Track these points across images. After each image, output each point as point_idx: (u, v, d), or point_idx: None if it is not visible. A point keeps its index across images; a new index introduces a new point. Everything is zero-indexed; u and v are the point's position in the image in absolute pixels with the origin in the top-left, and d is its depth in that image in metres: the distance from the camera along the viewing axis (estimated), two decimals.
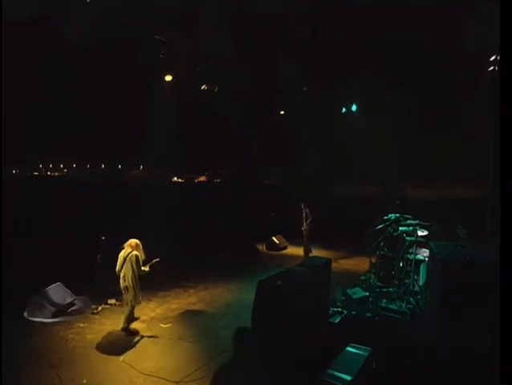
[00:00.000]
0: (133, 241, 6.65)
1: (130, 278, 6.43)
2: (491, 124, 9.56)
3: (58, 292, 7.47)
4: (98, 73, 10.01)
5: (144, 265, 6.59)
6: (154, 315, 7.34)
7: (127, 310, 6.60)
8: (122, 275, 6.47)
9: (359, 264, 11.40)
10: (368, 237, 8.82)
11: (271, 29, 9.53)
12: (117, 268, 6.56)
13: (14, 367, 5.17)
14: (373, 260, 9.20)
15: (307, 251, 12.07)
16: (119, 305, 7.46)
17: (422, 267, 7.83)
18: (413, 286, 7.83)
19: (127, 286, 6.44)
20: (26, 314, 6.93)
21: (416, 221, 8.39)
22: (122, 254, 6.59)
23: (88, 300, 7.79)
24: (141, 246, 6.69)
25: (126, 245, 6.65)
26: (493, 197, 9.68)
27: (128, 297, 6.49)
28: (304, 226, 11.92)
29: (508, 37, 3.38)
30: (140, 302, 6.71)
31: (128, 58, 9.91)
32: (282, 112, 15.39)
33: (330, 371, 4.30)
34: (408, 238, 8.11)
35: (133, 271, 6.45)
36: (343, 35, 9.27)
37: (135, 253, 6.53)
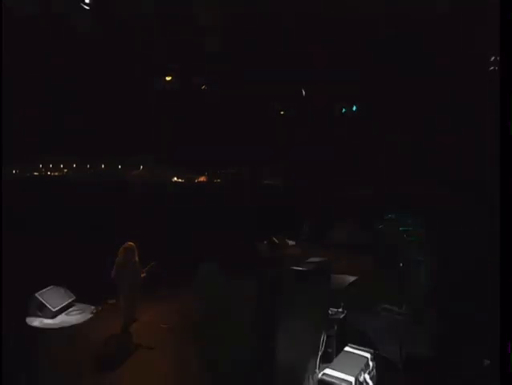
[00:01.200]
0: (129, 246, 6.49)
1: (129, 288, 6.38)
2: (490, 125, 9.57)
3: (58, 292, 7.48)
4: (98, 73, 10.03)
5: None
6: (154, 315, 7.34)
7: (124, 316, 6.54)
8: (122, 284, 6.38)
9: (360, 264, 11.37)
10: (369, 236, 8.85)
11: (270, 28, 9.53)
12: (112, 274, 6.44)
13: (14, 368, 5.17)
14: (374, 260, 9.21)
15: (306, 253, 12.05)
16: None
17: (422, 267, 7.84)
18: (414, 286, 7.83)
19: (126, 296, 6.42)
20: (26, 315, 6.95)
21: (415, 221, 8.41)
22: (119, 262, 6.42)
23: (88, 300, 7.80)
24: (136, 251, 6.54)
25: (121, 250, 6.48)
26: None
27: (127, 305, 6.47)
28: (304, 234, 11.96)
29: (508, 37, 3.38)
30: (134, 315, 6.65)
31: (129, 58, 9.92)
32: (282, 112, 15.40)
33: (329, 371, 4.31)
34: (407, 238, 8.12)
35: (133, 281, 6.39)
36: (343, 37, 9.29)
37: (133, 261, 6.41)
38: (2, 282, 6.22)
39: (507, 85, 3.41)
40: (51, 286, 7.37)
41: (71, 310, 7.35)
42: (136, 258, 6.51)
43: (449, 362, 5.36)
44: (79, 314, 7.25)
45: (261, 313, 5.51)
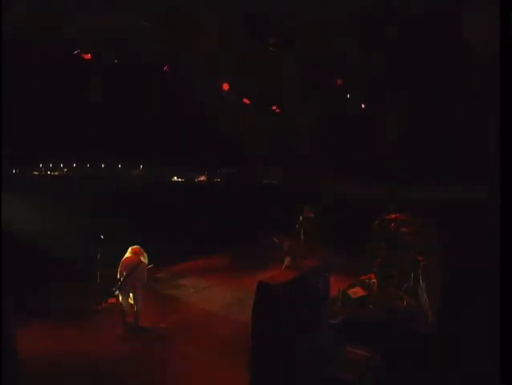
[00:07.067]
0: (137, 249, 6.76)
1: (140, 288, 6.57)
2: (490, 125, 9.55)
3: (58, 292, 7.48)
4: (97, 71, 10.03)
5: None
6: (154, 317, 7.33)
7: (125, 316, 6.68)
8: (132, 285, 6.50)
9: (360, 264, 11.36)
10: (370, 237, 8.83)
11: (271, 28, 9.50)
12: (120, 275, 6.53)
13: (14, 369, 5.17)
14: (374, 260, 9.18)
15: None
16: (120, 304, 7.46)
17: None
18: (414, 286, 7.82)
19: (137, 296, 6.56)
20: (26, 315, 6.94)
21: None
22: (129, 262, 6.57)
23: (89, 300, 7.79)
24: (143, 253, 6.84)
25: (131, 253, 6.71)
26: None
27: (137, 300, 6.60)
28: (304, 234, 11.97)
29: (508, 37, 3.37)
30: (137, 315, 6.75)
31: (127, 56, 9.91)
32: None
33: (330, 371, 4.31)
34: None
35: (143, 281, 6.63)
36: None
37: (145, 262, 6.71)
38: (1, 282, 6.21)
39: (507, 85, 3.40)
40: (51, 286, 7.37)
41: (71, 309, 7.33)
42: (143, 259, 6.69)
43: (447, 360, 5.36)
44: (80, 313, 7.24)
45: None
